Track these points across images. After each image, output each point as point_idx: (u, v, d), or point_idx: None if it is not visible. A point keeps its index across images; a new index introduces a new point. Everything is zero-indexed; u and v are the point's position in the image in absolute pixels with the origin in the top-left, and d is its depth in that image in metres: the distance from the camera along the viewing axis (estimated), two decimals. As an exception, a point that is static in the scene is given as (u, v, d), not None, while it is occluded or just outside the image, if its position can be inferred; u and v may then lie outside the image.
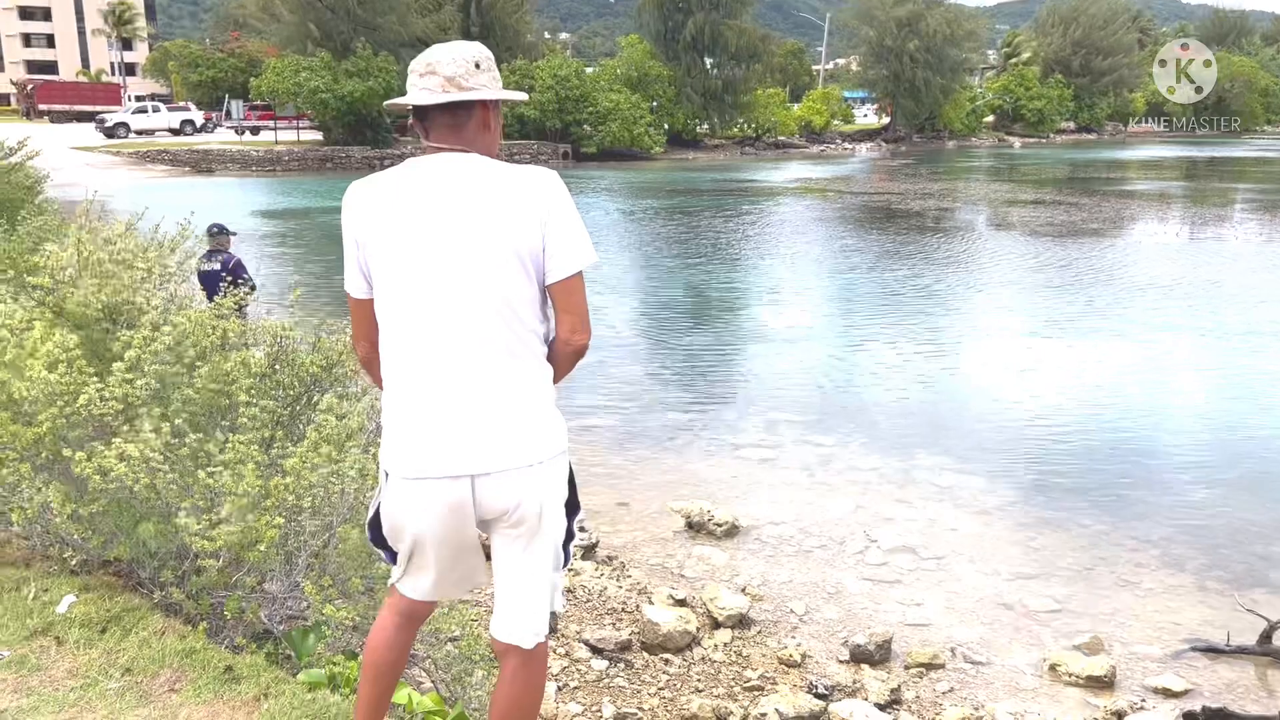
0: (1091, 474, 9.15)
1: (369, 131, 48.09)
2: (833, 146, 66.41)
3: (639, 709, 5.39)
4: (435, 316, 2.27)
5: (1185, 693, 5.78)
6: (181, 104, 63.16)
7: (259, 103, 53.22)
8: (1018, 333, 14.86)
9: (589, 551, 7.29)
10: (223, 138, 53.71)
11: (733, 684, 5.73)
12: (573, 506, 2.47)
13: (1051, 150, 67.44)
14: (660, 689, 5.63)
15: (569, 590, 6.53)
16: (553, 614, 2.49)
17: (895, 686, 5.68)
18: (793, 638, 6.25)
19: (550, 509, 2.37)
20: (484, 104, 2.38)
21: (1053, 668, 5.97)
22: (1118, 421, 10.70)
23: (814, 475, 9.11)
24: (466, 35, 49.92)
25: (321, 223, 26.53)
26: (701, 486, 8.75)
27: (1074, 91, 78.78)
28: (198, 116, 58.95)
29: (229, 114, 58.00)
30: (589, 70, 57.87)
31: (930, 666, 5.98)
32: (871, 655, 6.03)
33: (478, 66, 2.36)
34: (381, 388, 2.44)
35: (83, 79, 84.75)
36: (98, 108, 65.02)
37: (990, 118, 77.96)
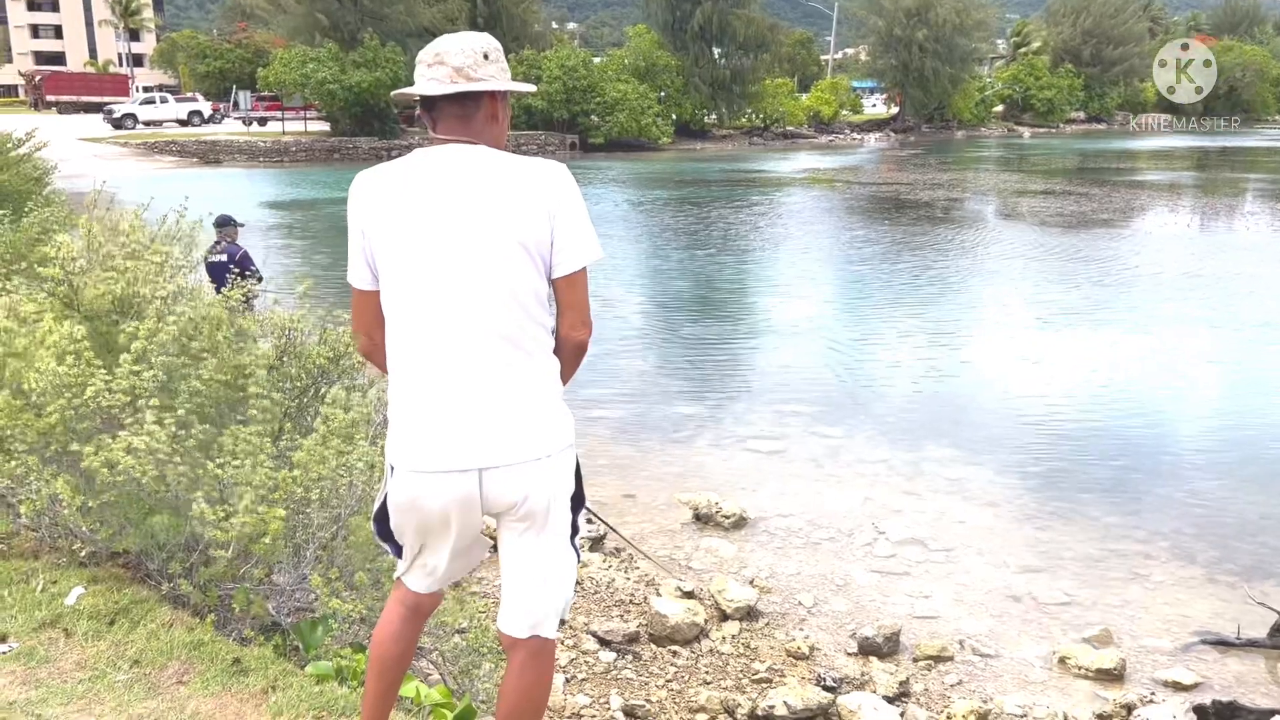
0: (1101, 466, 9.11)
1: (376, 122, 48.04)
2: (841, 137, 66.13)
3: (647, 701, 5.39)
4: (442, 309, 2.26)
5: (1195, 686, 5.75)
6: (189, 95, 63.19)
7: (266, 93, 53.22)
8: (1027, 324, 14.79)
9: (597, 543, 7.29)
10: (230, 128, 53.75)
11: (741, 676, 5.72)
12: (579, 500, 2.45)
13: (1061, 140, 67.10)
14: (668, 681, 5.63)
15: (577, 582, 6.53)
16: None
17: (904, 679, 5.66)
18: (801, 630, 6.24)
19: (557, 503, 2.36)
20: (492, 95, 2.35)
21: (1062, 660, 5.95)
22: (1128, 413, 10.65)
23: (822, 467, 9.09)
24: (474, 25, 49.81)
25: (329, 214, 26.53)
26: (709, 478, 8.74)
27: (1084, 81, 78.33)
28: (205, 107, 58.97)
29: (236, 105, 58.06)
30: (596, 60, 57.59)
31: (939, 659, 5.97)
32: (880, 648, 6.02)
33: (486, 57, 2.33)
34: (387, 375, 2.42)
35: (90, 70, 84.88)
36: (105, 99, 65.06)
37: (999, 108, 77.55)
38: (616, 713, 5.22)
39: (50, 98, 71.35)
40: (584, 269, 2.32)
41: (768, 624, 6.32)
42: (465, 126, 2.33)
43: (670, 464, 9.15)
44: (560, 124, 52.16)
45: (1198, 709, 5.41)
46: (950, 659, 5.99)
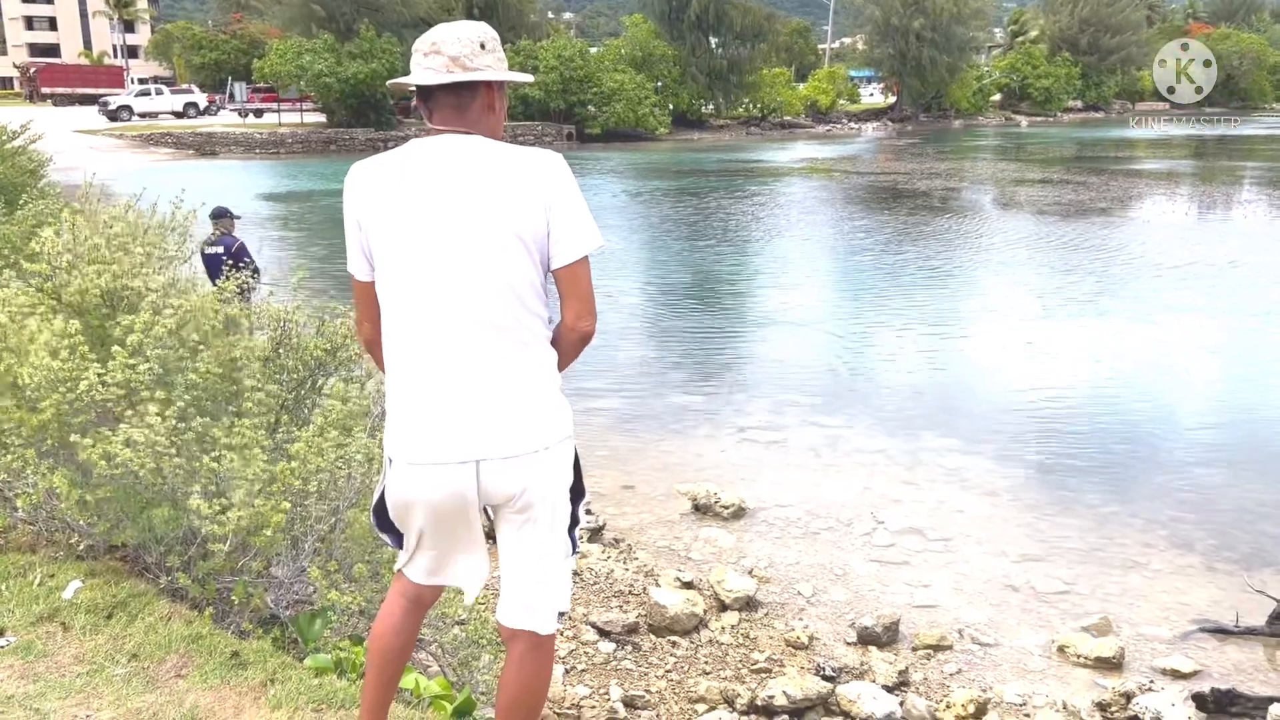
0: (1100, 455, 9.11)
1: (372, 113, 47.91)
2: (839, 126, 66.02)
3: (646, 691, 5.40)
4: (438, 300, 2.24)
5: (1194, 674, 5.76)
6: (184, 86, 62.98)
7: (262, 85, 53.01)
8: (1025, 313, 14.79)
9: (595, 534, 7.28)
10: (226, 120, 53.57)
11: (740, 666, 5.72)
12: (577, 492, 2.44)
13: (1059, 129, 67.01)
14: (668, 671, 5.63)
15: (576, 573, 6.53)
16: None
17: (903, 668, 5.67)
18: (800, 620, 6.25)
19: (556, 494, 2.35)
20: (488, 85, 2.34)
21: (1061, 649, 5.96)
22: (1126, 402, 10.66)
23: (821, 457, 9.09)
24: (470, 15, 49.59)
25: (325, 205, 26.47)
26: (708, 469, 8.74)
27: (1081, 70, 78.19)
28: (201, 99, 58.79)
29: (232, 96, 57.81)
30: (593, 50, 57.44)
31: (938, 648, 5.98)
32: (879, 637, 6.02)
33: (483, 47, 2.31)
34: (385, 371, 2.41)
35: (85, 62, 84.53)
36: (100, 91, 64.81)
37: (997, 96, 77.41)
38: (616, 703, 5.22)
39: (45, 90, 71.10)
40: (585, 258, 2.30)
41: (767, 614, 6.33)
42: (461, 116, 2.31)
43: (669, 454, 9.14)
44: (557, 114, 52.02)
45: (1196, 697, 5.42)
46: (949, 648, 5.99)
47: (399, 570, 2.52)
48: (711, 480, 8.26)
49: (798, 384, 11.29)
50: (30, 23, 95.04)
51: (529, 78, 2.70)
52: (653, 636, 5.97)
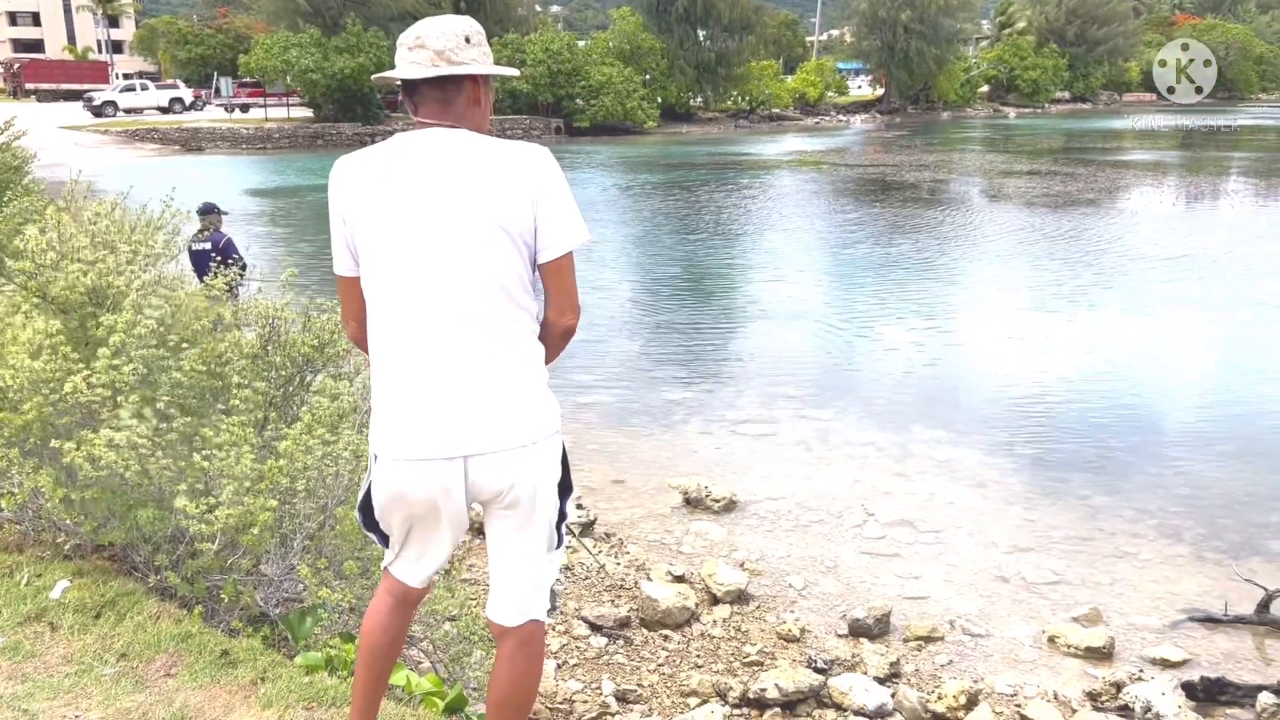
0: (1089, 446, 9.15)
1: (359, 108, 47.72)
2: (827, 119, 66.01)
3: (639, 685, 5.40)
4: (424, 295, 2.23)
5: (1183, 663, 5.79)
6: (170, 81, 62.52)
7: (248, 80, 52.71)
8: (1014, 305, 14.83)
9: (586, 529, 7.27)
10: (212, 115, 53.24)
11: (732, 659, 5.73)
12: (565, 487, 2.43)
13: (1047, 120, 67.15)
14: (660, 665, 5.63)
15: (567, 567, 6.52)
16: (553, 592, 2.46)
17: (894, 660, 5.68)
18: (791, 612, 6.25)
19: (544, 490, 2.34)
20: (474, 79, 2.32)
21: (1051, 639, 5.98)
22: (1115, 393, 10.69)
23: (811, 450, 9.10)
24: (456, 9, 49.42)
25: (312, 201, 26.35)
26: (699, 462, 8.74)
27: (1069, 61, 78.37)
28: (187, 94, 58.33)
29: (218, 91, 57.51)
30: (581, 44, 57.26)
31: (929, 640, 5.99)
32: (870, 629, 6.03)
33: (468, 41, 2.30)
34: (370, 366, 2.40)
35: (69, 57, 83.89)
36: (85, 86, 64.26)
37: (985, 88, 77.55)
38: (609, 698, 5.22)
39: (29, 85, 70.47)
40: (570, 253, 2.30)
41: (758, 607, 6.33)
42: (447, 111, 2.30)
43: (659, 448, 9.14)
44: (545, 108, 51.90)
45: (1186, 685, 5.45)
46: (940, 639, 6.01)
47: (386, 568, 2.51)
48: (702, 474, 8.26)
49: (788, 377, 11.29)
50: (14, 18, 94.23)
51: (515, 71, 2.68)
52: (645, 630, 5.97)
